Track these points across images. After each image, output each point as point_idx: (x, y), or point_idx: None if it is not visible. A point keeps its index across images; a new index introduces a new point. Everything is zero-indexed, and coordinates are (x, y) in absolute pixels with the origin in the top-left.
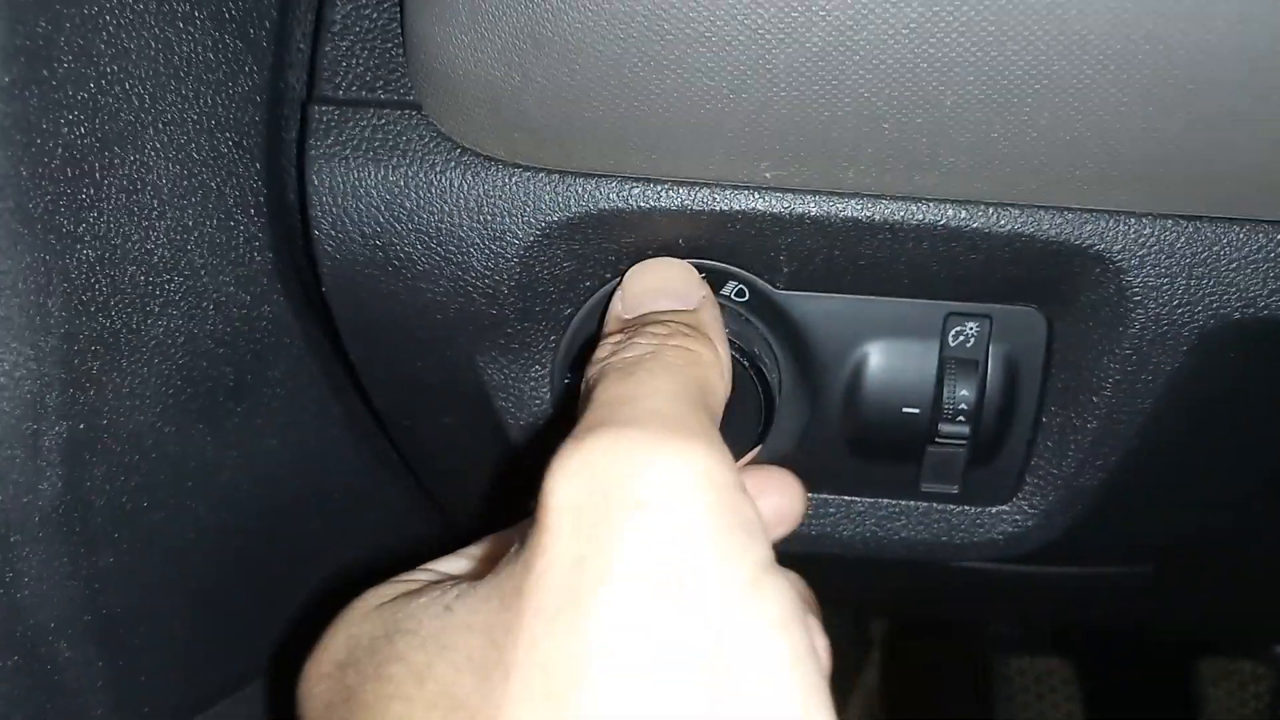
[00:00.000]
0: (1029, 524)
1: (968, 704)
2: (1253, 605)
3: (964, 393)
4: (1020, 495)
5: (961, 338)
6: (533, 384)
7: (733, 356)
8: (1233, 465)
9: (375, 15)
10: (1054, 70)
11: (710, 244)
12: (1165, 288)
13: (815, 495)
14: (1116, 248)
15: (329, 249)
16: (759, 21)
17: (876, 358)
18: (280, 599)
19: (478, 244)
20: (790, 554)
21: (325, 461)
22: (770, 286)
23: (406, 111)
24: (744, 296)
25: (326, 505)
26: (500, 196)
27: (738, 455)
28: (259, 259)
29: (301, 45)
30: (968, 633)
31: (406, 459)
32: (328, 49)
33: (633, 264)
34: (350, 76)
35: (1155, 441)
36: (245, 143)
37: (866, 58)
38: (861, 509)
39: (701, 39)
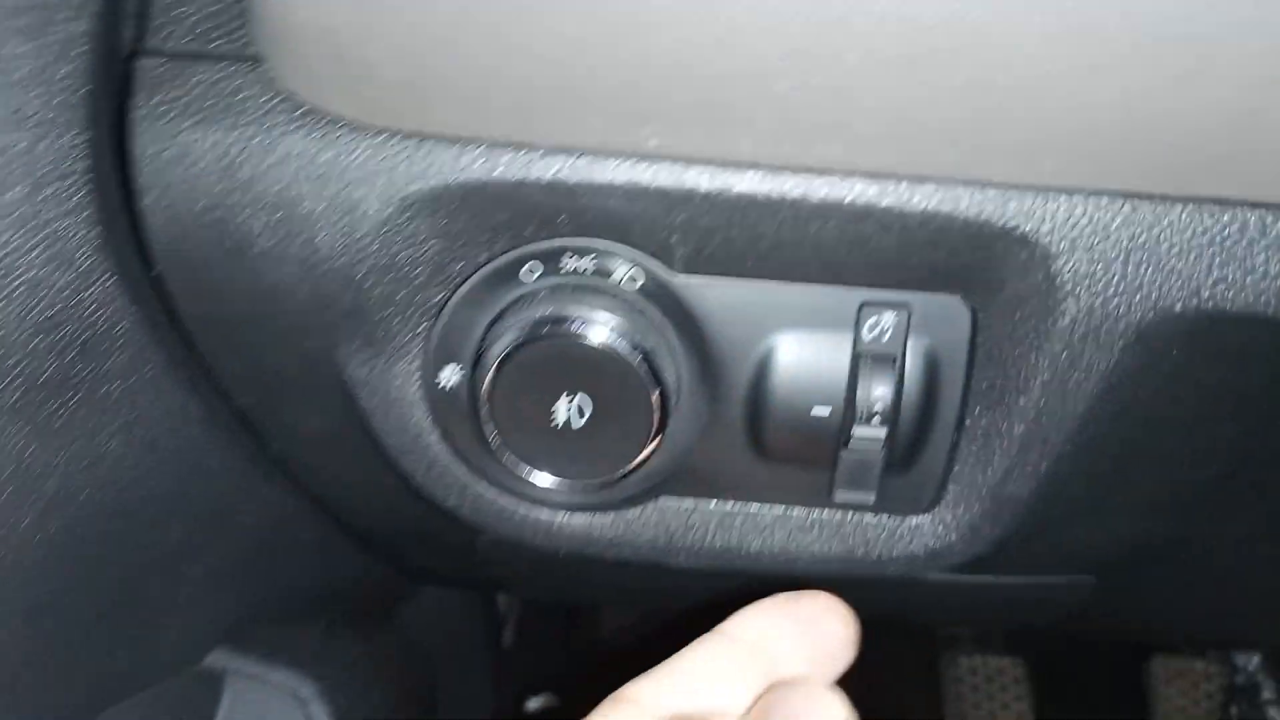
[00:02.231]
0: (951, 537)
1: (918, 703)
2: (1203, 612)
3: (880, 391)
4: (942, 505)
5: (877, 330)
6: (400, 381)
7: (623, 354)
8: (1175, 470)
9: None
10: (971, 20)
11: (595, 221)
12: (1099, 275)
13: (719, 504)
14: (1044, 230)
15: (158, 224)
16: None
17: (783, 351)
18: (141, 615)
19: (325, 219)
20: (698, 569)
21: (182, 463)
22: (666, 270)
23: (244, 65)
24: (637, 282)
25: (188, 510)
26: (350, 164)
27: (628, 460)
28: (79, 234)
29: None
30: (918, 631)
31: (282, 459)
32: None
33: (510, 243)
34: (183, 26)
35: (1089, 446)
36: (58, 101)
37: (752, 4)
38: (769, 521)
39: None
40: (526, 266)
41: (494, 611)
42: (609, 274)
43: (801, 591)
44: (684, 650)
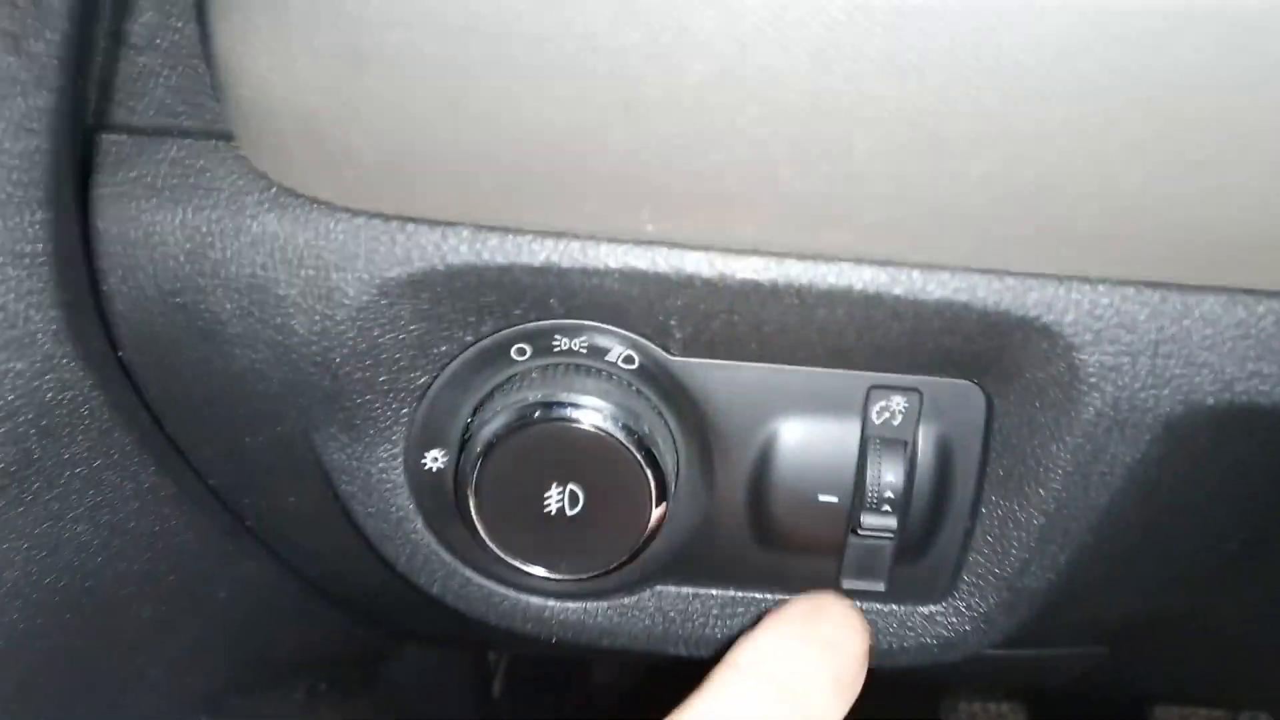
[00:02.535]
0: (965, 627)
1: None
2: (1214, 676)
3: (890, 478)
4: (956, 594)
5: (887, 414)
6: (381, 466)
7: (618, 439)
8: (1194, 549)
9: (184, 27)
10: (987, 108)
11: (588, 304)
12: (1125, 368)
13: (720, 591)
14: (1067, 320)
15: (122, 307)
16: (625, 44)
17: (788, 436)
18: (112, 693)
19: (300, 303)
20: (696, 659)
21: (153, 543)
22: (663, 352)
23: (214, 142)
24: (633, 364)
25: (160, 589)
26: (326, 247)
27: (623, 550)
28: (38, 319)
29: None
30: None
31: (258, 534)
32: (123, 66)
33: (497, 324)
34: (149, 100)
35: (1111, 536)
36: (17, 178)
37: (756, 91)
38: (773, 609)
39: (555, 64)
40: (515, 347)
41: (483, 662)
42: (603, 353)
43: (816, 602)
44: (704, 690)
